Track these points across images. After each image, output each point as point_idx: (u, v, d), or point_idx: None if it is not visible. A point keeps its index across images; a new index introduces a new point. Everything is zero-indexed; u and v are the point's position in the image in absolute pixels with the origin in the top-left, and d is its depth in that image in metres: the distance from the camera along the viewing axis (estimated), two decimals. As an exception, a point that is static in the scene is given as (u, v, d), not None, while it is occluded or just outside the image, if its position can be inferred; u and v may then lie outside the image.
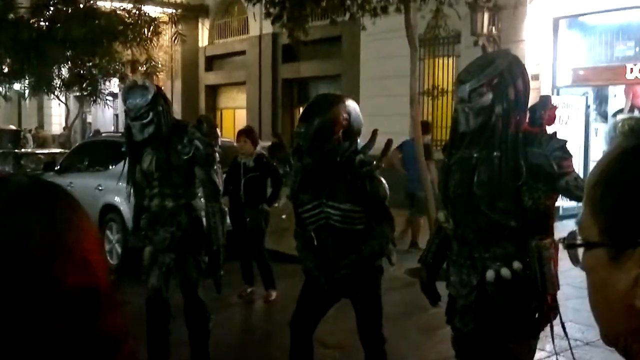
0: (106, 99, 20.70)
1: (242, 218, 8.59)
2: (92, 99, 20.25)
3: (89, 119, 32.27)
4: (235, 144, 9.56)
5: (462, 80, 3.81)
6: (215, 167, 5.50)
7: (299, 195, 4.67)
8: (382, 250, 4.59)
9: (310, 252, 4.67)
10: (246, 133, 8.74)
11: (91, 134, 25.56)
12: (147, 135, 5.41)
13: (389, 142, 4.70)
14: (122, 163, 6.05)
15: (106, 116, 30.00)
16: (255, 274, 8.91)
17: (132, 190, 5.79)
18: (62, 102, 23.07)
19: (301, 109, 11.01)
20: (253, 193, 8.59)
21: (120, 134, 11.62)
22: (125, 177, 5.80)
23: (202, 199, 5.67)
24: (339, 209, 4.53)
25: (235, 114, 25.75)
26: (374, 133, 4.66)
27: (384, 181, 4.57)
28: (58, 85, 19.94)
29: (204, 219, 5.54)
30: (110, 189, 10.38)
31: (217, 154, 5.51)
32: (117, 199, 10.42)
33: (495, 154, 3.74)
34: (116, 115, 29.70)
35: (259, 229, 8.65)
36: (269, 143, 15.30)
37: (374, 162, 4.53)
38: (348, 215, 4.52)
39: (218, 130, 5.97)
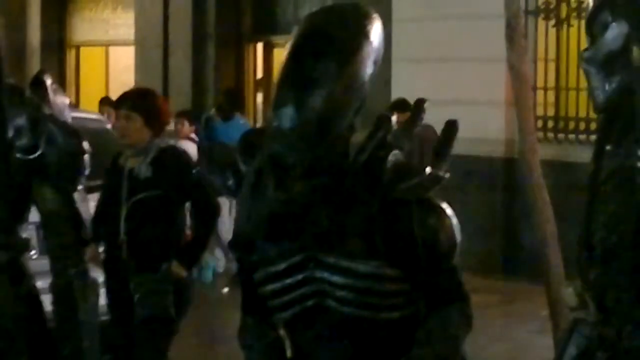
0: None
1: (126, 295, 4.94)
2: None
3: None
4: (109, 123, 6.73)
5: None
6: (77, 184, 3.74)
7: (255, 245, 2.82)
8: None
9: None
10: (132, 99, 5.17)
11: None
12: None
13: (451, 126, 2.86)
14: None
15: None
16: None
17: None
18: None
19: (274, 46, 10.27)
20: (148, 238, 4.89)
21: None
22: None
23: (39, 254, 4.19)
24: (348, 273, 2.72)
25: (108, 56, 16.19)
26: (419, 105, 2.98)
27: (449, 213, 2.82)
28: None
29: (45, 299, 3.74)
30: None
31: (85, 157, 3.72)
32: None
33: None
34: None
35: (161, 320, 4.90)
36: (184, 123, 10.40)
37: (429, 171, 2.78)
38: (368, 286, 2.72)
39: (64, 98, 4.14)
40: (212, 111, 11.29)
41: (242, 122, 10.79)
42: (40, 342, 3.63)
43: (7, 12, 15.26)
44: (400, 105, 8.36)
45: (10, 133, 3.38)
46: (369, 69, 2.63)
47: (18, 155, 3.46)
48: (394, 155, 2.73)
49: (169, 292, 4.84)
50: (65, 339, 3.62)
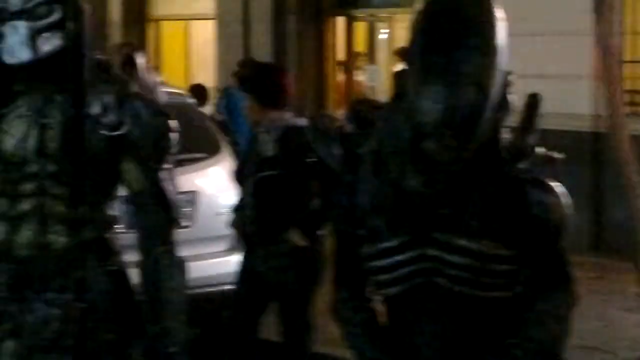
0: None
1: (250, 267, 5.24)
2: None
3: None
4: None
5: None
6: (164, 162, 3.42)
7: (365, 220, 2.85)
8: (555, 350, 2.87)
9: (387, 354, 2.94)
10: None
11: None
12: (40, 54, 3.26)
13: (533, 100, 2.88)
14: None
15: None
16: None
17: None
18: None
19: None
20: (273, 213, 5.10)
21: None
22: None
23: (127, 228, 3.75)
24: (463, 252, 2.73)
25: (188, 30, 16.24)
26: (534, 100, 2.90)
27: (562, 192, 2.80)
28: None
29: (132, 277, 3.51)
30: None
31: (172, 135, 3.44)
32: None
33: None
34: None
35: (289, 292, 5.14)
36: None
37: (541, 152, 2.86)
38: (481, 265, 2.72)
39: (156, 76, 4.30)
40: (232, 82, 11.13)
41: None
42: (129, 318, 3.61)
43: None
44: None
45: (97, 109, 3.36)
46: (505, 55, 2.60)
47: (104, 131, 3.38)
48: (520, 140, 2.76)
49: (291, 264, 5.05)
50: (152, 318, 3.57)
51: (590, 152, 9.64)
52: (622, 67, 8.53)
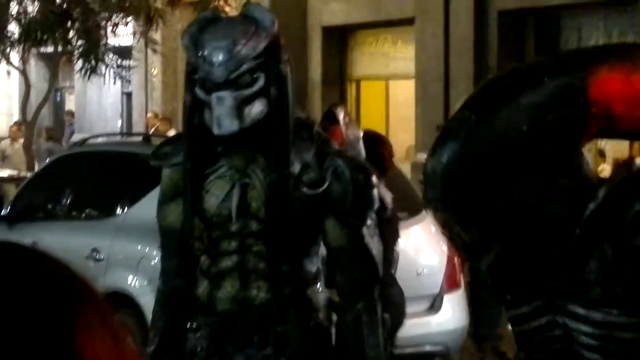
0: (113, 64, 12.36)
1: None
2: (87, 65, 11.55)
3: (70, 103, 20.00)
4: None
5: None
6: (366, 219, 3.61)
7: (503, 285, 3.01)
8: None
9: None
10: None
11: (74, 137, 15.82)
12: (246, 123, 3.36)
13: None
14: (145, 198, 4.52)
15: (105, 99, 18.84)
16: None
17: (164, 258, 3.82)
18: (14, 67, 14.24)
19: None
20: None
21: (140, 137, 8.57)
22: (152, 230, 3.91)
23: (326, 290, 3.91)
24: (587, 321, 2.76)
25: (388, 90, 15.99)
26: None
27: None
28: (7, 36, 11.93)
29: (333, 332, 3.73)
30: (117, 258, 6.49)
31: (374, 191, 3.74)
32: (131, 282, 6.39)
33: None
34: (127, 95, 18.41)
35: None
36: None
37: None
38: (608, 334, 2.72)
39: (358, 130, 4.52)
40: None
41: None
42: None
43: (289, 48, 15.29)
44: None
45: (297, 167, 3.43)
46: None
47: (305, 189, 3.47)
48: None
49: None
50: None
51: None
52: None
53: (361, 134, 4.25)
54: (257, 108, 3.34)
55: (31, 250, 0.76)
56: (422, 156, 12.08)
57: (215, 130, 3.37)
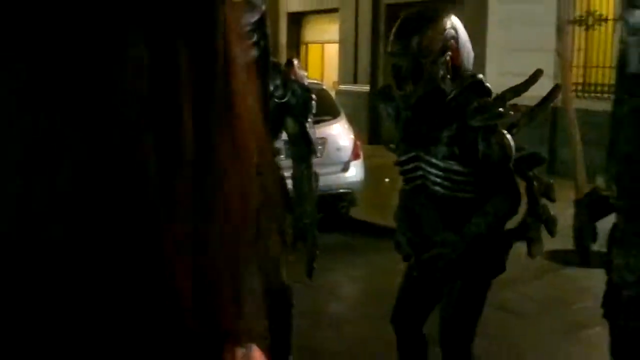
0: None
1: None
2: None
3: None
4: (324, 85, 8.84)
5: (636, 4, 2.74)
6: (308, 117, 4.31)
7: (398, 142, 3.68)
8: (490, 231, 3.44)
9: (405, 222, 3.70)
10: None
11: None
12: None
13: (535, 76, 3.37)
14: None
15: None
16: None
17: None
18: None
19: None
20: None
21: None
22: None
23: (285, 157, 4.86)
24: (437, 167, 3.47)
25: (324, 49, 20.34)
26: (536, 74, 3.41)
27: (508, 137, 3.33)
28: None
29: (288, 182, 4.30)
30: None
31: (313, 102, 4.30)
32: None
33: None
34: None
35: None
36: (367, 87, 15.96)
37: (501, 111, 3.26)
38: (449, 177, 3.46)
39: (303, 71, 4.61)
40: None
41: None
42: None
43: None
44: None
45: (271, 87, 4.02)
46: (451, 32, 3.51)
47: (275, 100, 4.09)
48: (479, 101, 3.32)
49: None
50: (297, 204, 4.27)
51: (550, 116, 11.40)
52: (571, 68, 10.35)
53: (306, 74, 4.53)
54: (252, 52, 3.38)
55: None
56: (342, 87, 16.97)
57: None
